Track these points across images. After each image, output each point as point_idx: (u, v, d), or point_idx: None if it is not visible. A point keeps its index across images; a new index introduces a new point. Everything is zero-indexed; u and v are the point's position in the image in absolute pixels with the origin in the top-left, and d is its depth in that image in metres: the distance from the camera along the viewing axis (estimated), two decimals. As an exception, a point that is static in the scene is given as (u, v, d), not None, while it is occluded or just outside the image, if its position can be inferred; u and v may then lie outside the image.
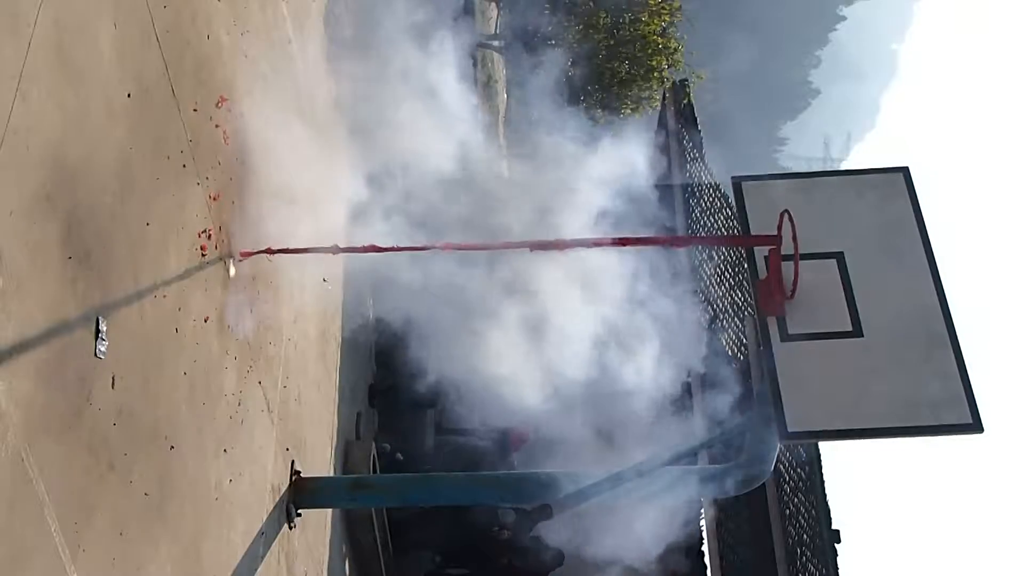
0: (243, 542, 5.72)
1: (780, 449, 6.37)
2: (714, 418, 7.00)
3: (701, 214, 11.05)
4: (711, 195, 10.87)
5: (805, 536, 9.75)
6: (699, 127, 11.97)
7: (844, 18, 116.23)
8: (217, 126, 5.36)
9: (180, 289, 4.72)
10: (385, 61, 8.84)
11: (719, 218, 10.74)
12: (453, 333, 8.34)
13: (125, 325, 4.06)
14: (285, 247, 5.85)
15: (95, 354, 3.78)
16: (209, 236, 5.14)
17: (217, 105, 5.38)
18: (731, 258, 11.05)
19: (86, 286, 3.72)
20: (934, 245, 5.52)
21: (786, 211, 5.20)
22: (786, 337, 5.27)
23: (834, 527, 10.11)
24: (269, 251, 5.75)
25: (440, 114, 9.56)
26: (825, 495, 10.17)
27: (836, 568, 9.92)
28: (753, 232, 5.56)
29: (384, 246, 5.55)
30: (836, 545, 10.01)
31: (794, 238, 5.13)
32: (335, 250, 5.70)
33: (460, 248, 5.44)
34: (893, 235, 5.57)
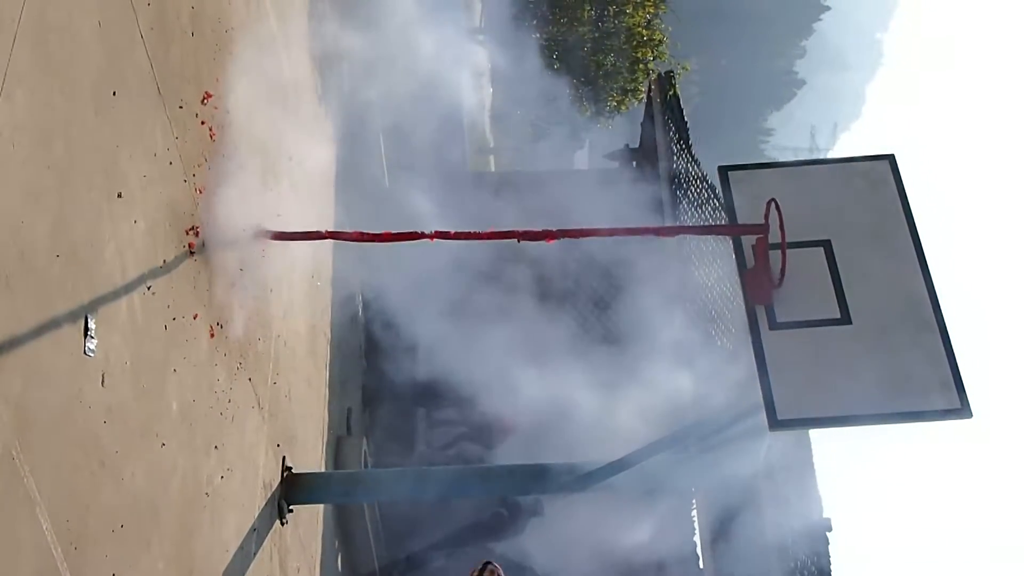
0: (235, 539, 5.72)
1: (770, 437, 6.39)
2: (704, 403, 7.02)
3: (688, 205, 11.06)
4: (698, 186, 10.86)
5: (796, 525, 9.76)
6: (685, 118, 11.96)
7: (828, 8, 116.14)
8: (203, 123, 5.35)
9: (168, 286, 4.71)
10: (370, 55, 8.84)
11: (706, 208, 10.74)
12: (443, 327, 8.36)
13: (114, 323, 4.05)
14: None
15: (84, 352, 3.77)
16: (196, 233, 5.13)
17: (202, 101, 5.37)
18: (719, 248, 11.07)
19: (74, 284, 3.72)
20: (921, 232, 5.54)
21: (773, 200, 5.22)
22: (775, 325, 5.29)
23: (825, 515, 10.13)
24: (260, 237, 5.76)
25: (426, 108, 9.57)
26: (816, 483, 10.18)
27: (828, 556, 9.94)
28: (740, 221, 5.58)
29: (372, 233, 5.55)
30: (828, 533, 10.03)
31: (781, 227, 5.15)
32: (324, 235, 5.72)
33: (449, 237, 5.44)
34: (880, 222, 5.58)
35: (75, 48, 3.84)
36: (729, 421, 6.46)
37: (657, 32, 18.11)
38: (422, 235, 5.43)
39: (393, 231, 5.52)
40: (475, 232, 5.58)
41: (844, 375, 5.13)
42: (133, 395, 4.21)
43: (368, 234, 5.57)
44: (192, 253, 5.07)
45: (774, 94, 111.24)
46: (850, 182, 5.74)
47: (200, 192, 5.22)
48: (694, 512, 10.51)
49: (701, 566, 10.16)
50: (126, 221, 4.23)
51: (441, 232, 5.44)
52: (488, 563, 3.87)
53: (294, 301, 7.36)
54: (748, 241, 5.49)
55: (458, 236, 5.53)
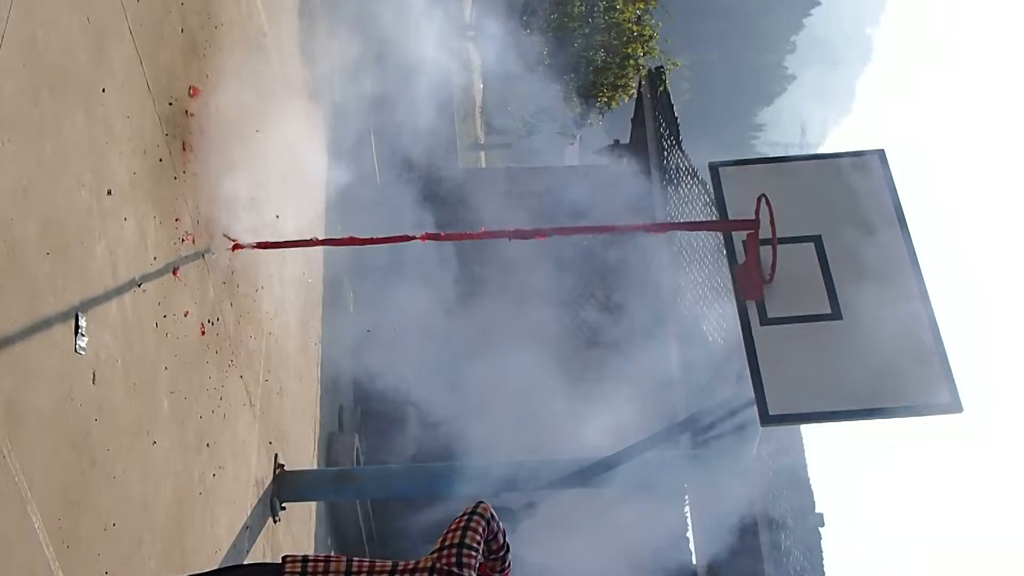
0: (228, 536, 5.72)
1: (761, 433, 6.41)
2: (696, 399, 7.03)
3: (679, 201, 11.07)
4: (689, 182, 10.88)
5: (788, 520, 9.79)
6: (675, 114, 11.98)
7: (819, 3, 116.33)
8: (193, 118, 5.34)
9: (159, 284, 4.70)
10: (361, 52, 8.82)
11: (697, 204, 10.76)
12: (435, 321, 8.36)
13: (105, 321, 4.04)
14: (265, 239, 5.86)
15: (75, 350, 3.76)
16: (187, 230, 5.12)
17: (192, 97, 5.35)
18: (710, 244, 11.09)
19: (65, 282, 3.71)
20: (911, 226, 5.55)
21: (763, 195, 5.22)
22: (766, 321, 5.30)
23: (817, 511, 10.16)
24: (252, 246, 5.74)
25: (417, 105, 9.55)
26: (808, 478, 10.21)
27: (820, 552, 9.97)
28: (731, 217, 5.58)
29: (363, 237, 5.55)
30: (820, 529, 10.06)
31: (772, 222, 5.15)
32: (315, 242, 5.72)
33: (440, 239, 5.44)
34: (870, 217, 5.58)
35: (64, 44, 3.83)
36: (720, 417, 6.47)
37: (647, 28, 18.10)
38: (412, 237, 5.42)
39: (383, 234, 5.51)
40: (466, 233, 5.59)
41: (835, 370, 5.14)
42: (124, 393, 4.20)
43: (358, 239, 5.56)
44: (182, 250, 5.05)
45: (764, 89, 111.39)
46: (840, 177, 5.74)
47: (190, 189, 5.21)
48: (687, 508, 10.52)
49: (694, 561, 10.17)
50: (116, 218, 4.22)
51: (431, 234, 5.44)
52: (480, 503, 3.87)
53: (285, 298, 7.35)
54: (739, 237, 5.50)
55: (448, 237, 5.54)
